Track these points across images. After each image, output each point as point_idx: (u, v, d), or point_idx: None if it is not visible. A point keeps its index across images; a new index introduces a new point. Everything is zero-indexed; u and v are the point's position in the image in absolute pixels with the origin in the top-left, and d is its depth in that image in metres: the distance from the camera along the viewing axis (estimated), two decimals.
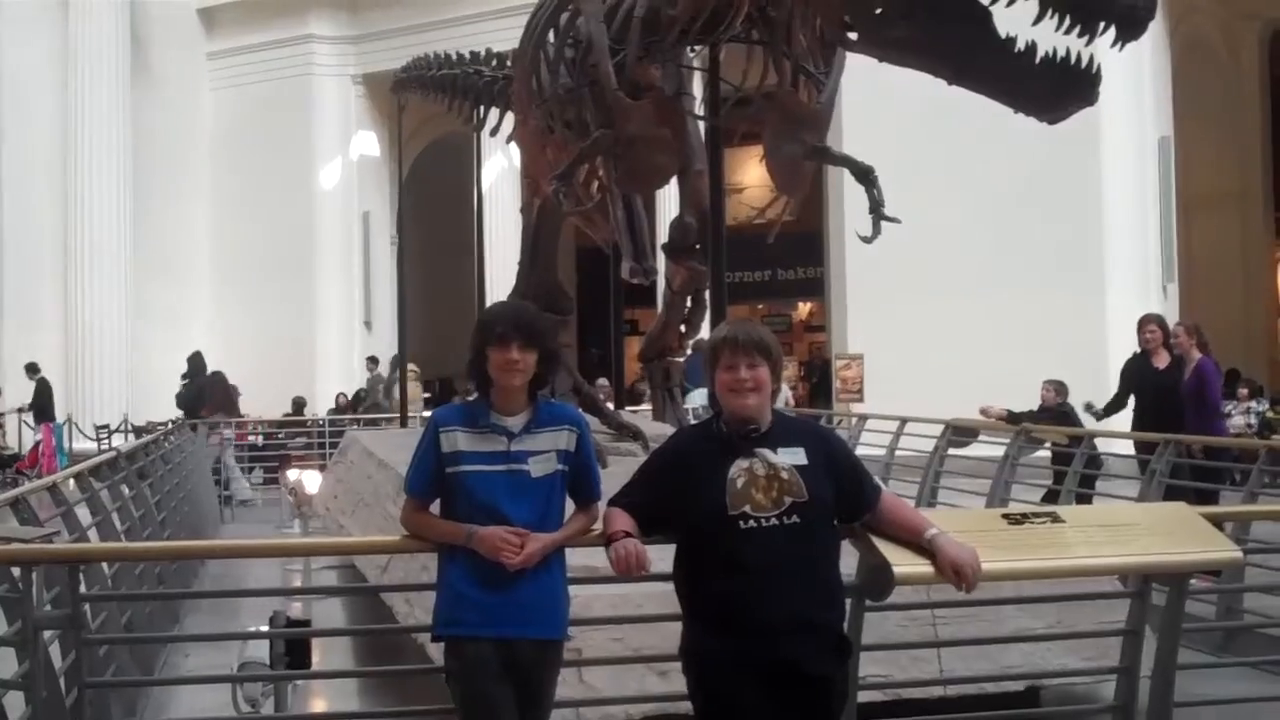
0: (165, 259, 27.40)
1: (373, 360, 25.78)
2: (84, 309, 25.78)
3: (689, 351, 10.68)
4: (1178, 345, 12.00)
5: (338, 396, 25.86)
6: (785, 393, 18.13)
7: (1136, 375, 12.32)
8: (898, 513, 4.46)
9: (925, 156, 19.87)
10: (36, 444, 22.65)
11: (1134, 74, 19.48)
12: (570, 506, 4.51)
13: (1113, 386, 12.58)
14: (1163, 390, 11.92)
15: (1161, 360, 12.06)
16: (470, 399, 4.58)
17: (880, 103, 17.09)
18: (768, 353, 4.26)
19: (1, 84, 25.54)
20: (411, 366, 22.48)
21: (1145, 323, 12.42)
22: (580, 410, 5.56)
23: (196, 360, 23.21)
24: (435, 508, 4.49)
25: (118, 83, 26.19)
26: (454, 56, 14.25)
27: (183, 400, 22.51)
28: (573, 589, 4.55)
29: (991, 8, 5.91)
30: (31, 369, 23.81)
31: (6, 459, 22.96)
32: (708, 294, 9.18)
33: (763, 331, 4.36)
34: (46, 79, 25.87)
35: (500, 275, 20.51)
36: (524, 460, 4.34)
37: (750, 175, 25.30)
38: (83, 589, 5.25)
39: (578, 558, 4.67)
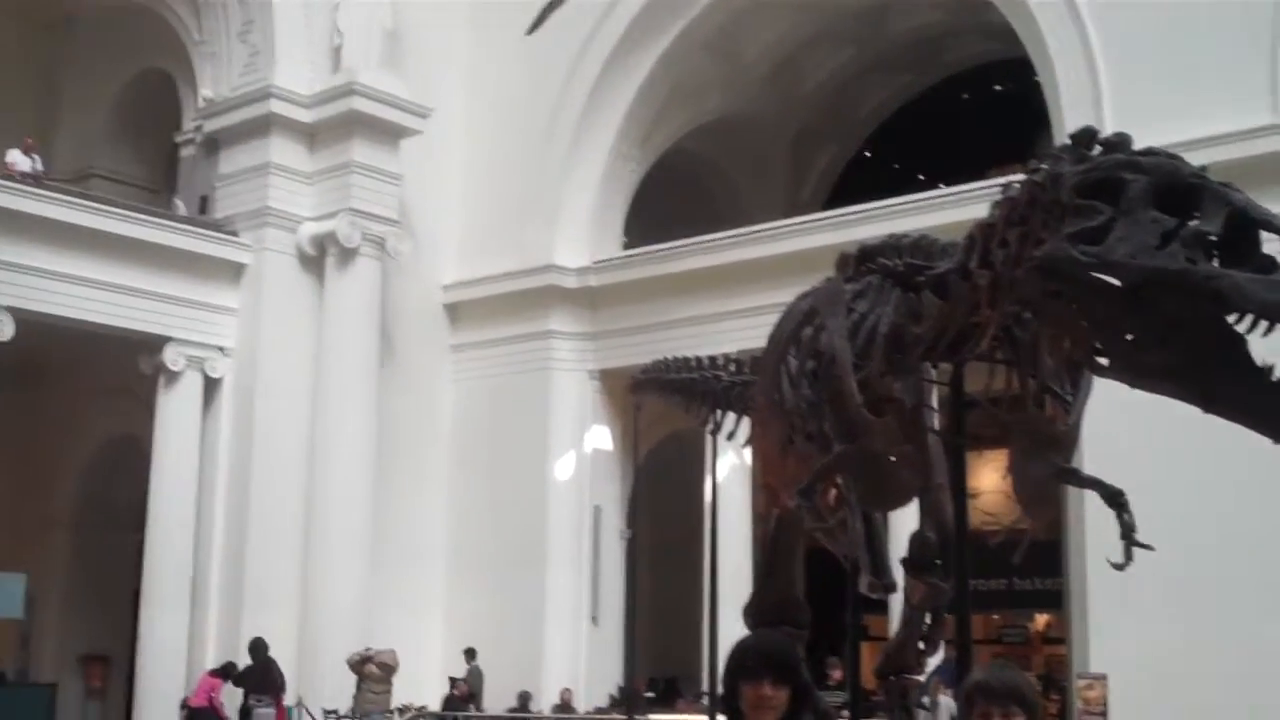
0: (401, 543, 27.88)
1: (470, 652, 25.54)
2: (321, 591, 26.11)
3: (930, 664, 10.38)
4: None
5: (562, 692, 25.78)
6: None
7: None
8: None
9: (1174, 473, 19.15)
10: None
11: None
12: None
13: None
14: None
15: None
16: None
17: (1126, 418, 16.70)
18: (1023, 702, 4.08)
19: (257, 372, 26.63)
20: (385, 656, 22.44)
21: None
22: None
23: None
24: None
25: (366, 371, 27.07)
26: (692, 360, 14.49)
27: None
28: None
29: (1247, 335, 5.81)
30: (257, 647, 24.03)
31: None
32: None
33: (1020, 678, 4.20)
34: (299, 366, 26.87)
35: (730, 574, 20.51)
36: None
37: (985, 480, 24.88)
38: None
39: None
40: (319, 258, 27.37)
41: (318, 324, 27.25)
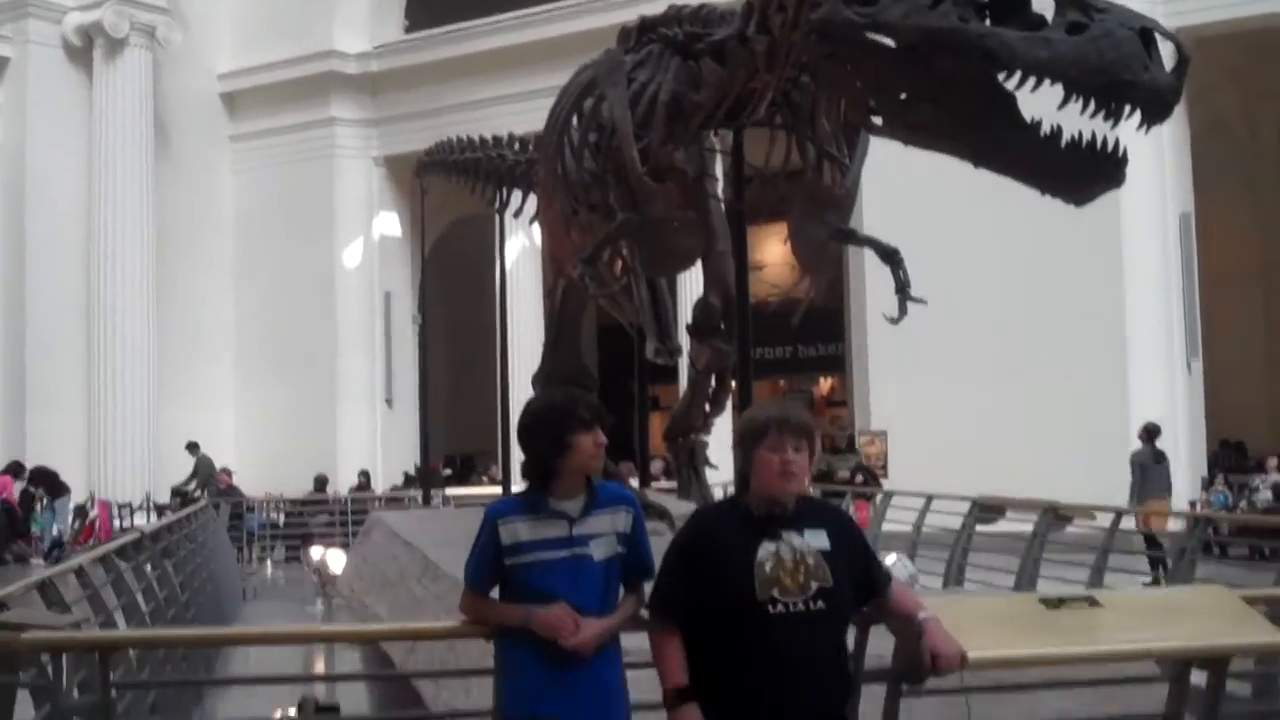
0: (188, 339, 27.54)
1: (192, 446, 24.71)
2: (107, 389, 25.79)
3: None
4: None
5: (359, 474, 25.91)
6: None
7: None
8: (901, 597, 4.35)
9: (947, 234, 19.82)
10: (92, 521, 22.82)
11: (1154, 150, 19.44)
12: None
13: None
14: None
15: None
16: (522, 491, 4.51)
17: (902, 182, 17.03)
18: (812, 438, 4.19)
19: (26, 169, 25.70)
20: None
21: None
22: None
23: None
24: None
25: (141, 166, 26.32)
26: (476, 140, 14.40)
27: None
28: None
29: (1016, 92, 5.96)
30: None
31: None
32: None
33: (808, 415, 4.30)
34: (70, 163, 26.01)
35: (522, 353, 20.67)
36: (586, 544, 4.29)
37: (771, 253, 25.26)
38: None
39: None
40: (86, 49, 26.29)
41: (88, 118, 26.27)
